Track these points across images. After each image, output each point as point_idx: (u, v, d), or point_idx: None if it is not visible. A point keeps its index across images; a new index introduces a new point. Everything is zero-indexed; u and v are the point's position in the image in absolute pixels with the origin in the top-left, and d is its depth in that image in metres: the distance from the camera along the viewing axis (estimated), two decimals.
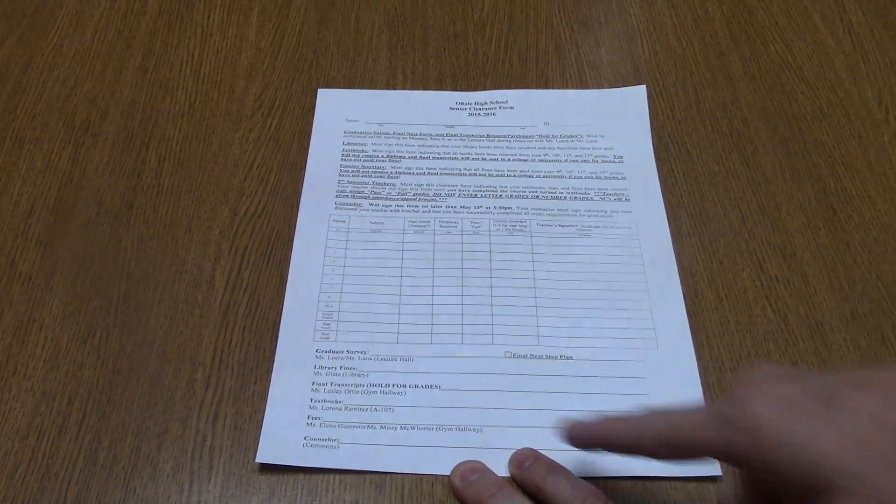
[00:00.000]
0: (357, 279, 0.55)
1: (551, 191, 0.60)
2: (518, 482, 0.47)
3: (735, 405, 0.35)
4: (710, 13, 0.73)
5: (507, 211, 0.59)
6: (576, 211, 0.59)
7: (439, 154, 0.62)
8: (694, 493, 0.47)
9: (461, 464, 0.47)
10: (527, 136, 0.63)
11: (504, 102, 0.65)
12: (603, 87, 0.67)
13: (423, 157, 0.62)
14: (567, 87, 0.67)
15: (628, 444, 0.40)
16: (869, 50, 0.69)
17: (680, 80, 0.68)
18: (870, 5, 0.73)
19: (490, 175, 0.61)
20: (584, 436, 0.43)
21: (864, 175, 0.61)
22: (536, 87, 0.67)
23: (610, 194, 0.60)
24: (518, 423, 0.49)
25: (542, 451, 0.47)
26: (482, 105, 0.65)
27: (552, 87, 0.67)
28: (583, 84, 0.67)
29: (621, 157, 0.62)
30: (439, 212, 0.59)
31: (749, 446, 0.34)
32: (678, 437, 0.37)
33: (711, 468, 0.47)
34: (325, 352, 0.52)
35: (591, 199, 0.59)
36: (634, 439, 0.40)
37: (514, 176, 0.61)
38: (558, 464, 0.47)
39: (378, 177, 0.61)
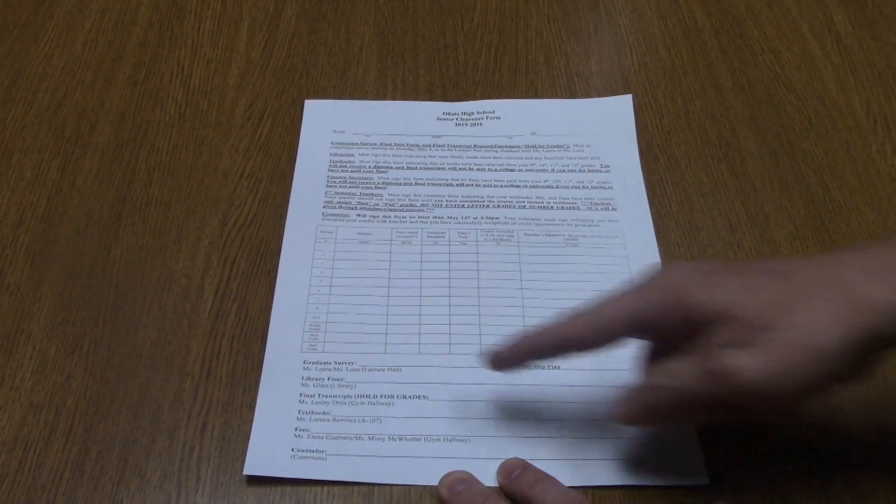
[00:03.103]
0: (344, 290, 0.55)
1: (538, 201, 0.60)
2: (506, 492, 0.47)
3: (663, 274, 0.43)
4: (700, 24, 0.73)
5: (495, 221, 0.59)
6: (563, 221, 0.59)
7: (426, 164, 0.62)
8: (680, 502, 0.46)
9: (449, 474, 0.47)
10: (514, 146, 0.63)
11: (491, 112, 0.65)
12: (592, 98, 0.67)
13: (411, 168, 0.62)
14: (556, 98, 0.67)
15: (557, 344, 0.45)
16: (857, 61, 0.70)
17: (669, 90, 0.68)
18: (858, 16, 0.73)
19: (477, 185, 0.61)
20: (511, 356, 0.47)
21: (852, 185, 0.61)
22: (526, 98, 0.67)
23: (596, 204, 0.60)
24: (506, 433, 0.49)
25: (531, 462, 0.47)
26: (469, 115, 0.65)
27: (542, 98, 0.67)
28: (572, 94, 0.67)
29: (608, 166, 0.62)
30: (426, 222, 0.59)
31: (675, 302, 0.41)
32: (613, 316, 0.43)
33: (699, 477, 0.47)
34: (313, 363, 0.52)
35: (578, 208, 0.60)
36: (571, 337, 0.44)
37: (501, 186, 0.61)
38: (546, 474, 0.46)
39: (365, 187, 0.61)
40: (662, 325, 0.43)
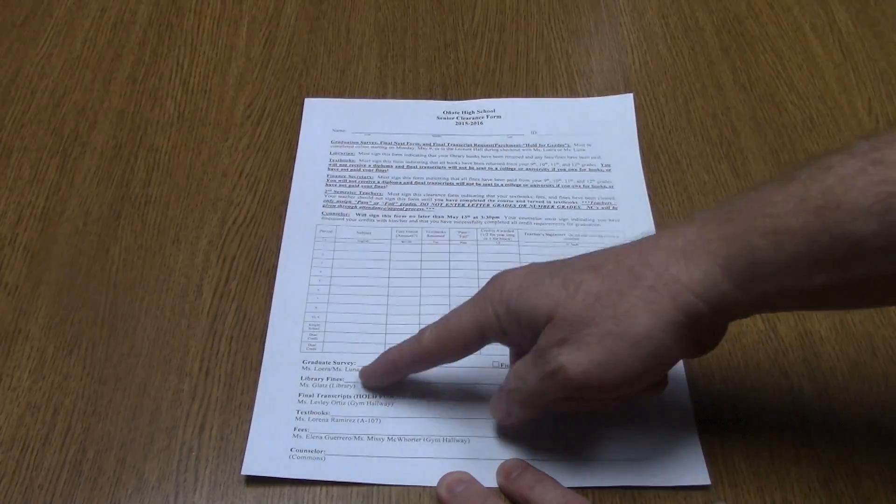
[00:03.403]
0: (344, 290, 0.55)
1: (539, 200, 0.60)
2: (506, 493, 0.46)
3: (492, 285, 0.45)
4: (701, 23, 0.73)
5: (495, 220, 0.59)
6: (563, 220, 0.59)
7: (426, 164, 0.62)
8: (681, 503, 0.46)
9: (448, 475, 0.47)
10: (514, 146, 0.63)
11: (491, 111, 0.65)
12: (593, 97, 0.67)
13: (411, 167, 0.62)
14: (557, 97, 0.67)
15: (418, 360, 0.48)
16: (859, 60, 0.70)
17: (670, 89, 0.68)
18: (860, 15, 0.73)
19: (477, 184, 0.61)
20: (376, 371, 0.50)
21: None
22: (527, 97, 0.67)
23: (597, 203, 0.60)
24: (506, 433, 0.49)
25: (530, 462, 0.47)
26: (469, 114, 0.65)
27: (543, 97, 0.67)
28: (573, 93, 0.67)
29: (608, 165, 0.62)
30: (426, 221, 0.58)
31: (504, 310, 0.44)
32: (456, 330, 0.46)
33: (700, 477, 0.47)
34: (312, 363, 0.51)
35: (579, 208, 0.59)
36: (422, 353, 0.47)
37: (502, 185, 0.61)
38: (546, 474, 0.46)
39: (365, 186, 0.60)
40: (504, 332, 0.45)
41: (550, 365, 0.41)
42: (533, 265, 0.45)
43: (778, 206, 0.38)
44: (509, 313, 0.43)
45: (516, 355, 0.46)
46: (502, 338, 0.46)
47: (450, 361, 0.48)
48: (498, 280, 0.45)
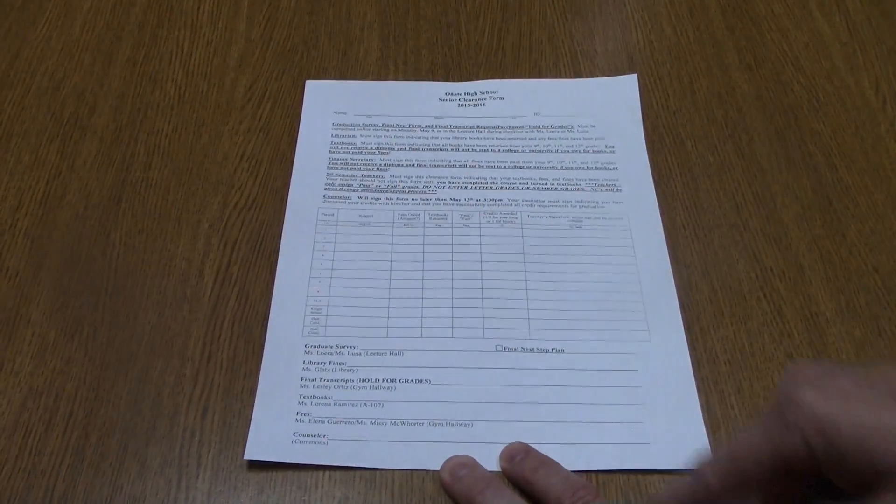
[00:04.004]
0: (346, 273, 0.54)
1: (542, 182, 0.59)
2: (509, 477, 0.46)
3: (794, 407, 0.35)
4: (706, 2, 0.72)
5: (498, 203, 0.58)
6: (567, 202, 0.58)
7: (429, 146, 0.61)
8: None
9: (451, 459, 0.47)
10: (517, 127, 0.63)
11: (494, 93, 0.65)
12: (597, 77, 0.66)
13: (413, 149, 0.61)
14: (561, 77, 0.66)
15: (699, 502, 0.38)
16: (866, 39, 0.69)
17: (675, 69, 0.67)
18: None
19: (480, 167, 0.60)
20: None
21: (860, 165, 0.60)
22: (530, 78, 0.66)
23: (601, 185, 0.59)
24: (509, 417, 0.49)
25: (533, 446, 0.47)
26: (472, 96, 0.65)
27: (546, 77, 0.66)
28: (577, 74, 0.67)
29: (612, 147, 0.61)
30: (429, 204, 0.58)
31: (823, 445, 0.34)
32: (749, 466, 0.36)
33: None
34: (314, 347, 0.51)
35: (583, 189, 0.59)
36: (706, 497, 0.37)
37: (505, 167, 0.60)
38: (549, 458, 0.46)
39: (367, 169, 0.60)
40: (810, 467, 0.35)
41: None
42: (838, 379, 0.35)
43: None
44: (832, 450, 0.33)
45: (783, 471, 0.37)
46: (806, 471, 0.35)
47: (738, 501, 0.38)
48: (801, 400, 0.35)
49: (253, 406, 0.49)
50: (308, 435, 0.48)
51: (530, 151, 0.61)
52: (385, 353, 0.51)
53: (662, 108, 0.64)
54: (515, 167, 0.60)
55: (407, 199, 0.58)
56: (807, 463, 0.34)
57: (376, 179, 0.59)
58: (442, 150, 0.61)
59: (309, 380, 0.50)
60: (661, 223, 0.57)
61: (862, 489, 0.34)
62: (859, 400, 0.34)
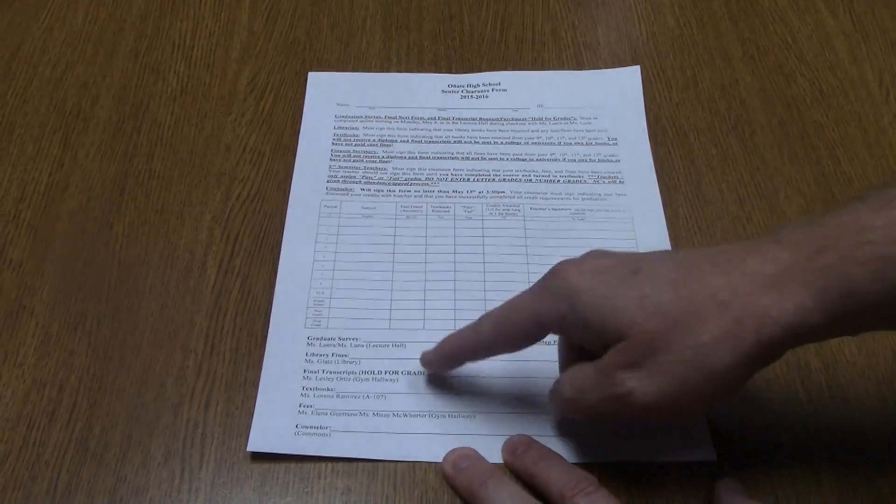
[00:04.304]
0: (349, 265, 0.55)
1: (544, 174, 0.59)
2: (511, 469, 0.46)
3: (557, 277, 0.42)
4: None
5: (500, 195, 0.58)
6: (569, 194, 0.58)
7: (431, 138, 0.61)
8: (687, 478, 0.46)
9: (453, 451, 0.47)
10: (520, 119, 0.63)
11: (497, 85, 0.65)
12: (599, 69, 0.66)
13: (415, 141, 0.61)
14: (563, 69, 0.66)
15: (475, 349, 0.47)
16: (870, 30, 0.68)
17: (678, 61, 0.67)
18: None
19: (483, 159, 0.60)
20: (436, 358, 0.48)
21: (863, 157, 0.60)
22: (532, 69, 0.66)
23: (604, 177, 0.59)
24: (511, 409, 0.49)
25: (536, 438, 0.47)
26: (475, 87, 0.64)
27: (549, 69, 0.66)
28: (579, 66, 0.66)
29: (615, 139, 0.61)
30: (431, 196, 0.58)
31: (569, 310, 0.41)
32: (515, 321, 0.44)
33: (706, 453, 0.47)
34: (317, 339, 0.51)
35: (585, 182, 0.59)
36: (480, 342, 0.46)
37: (507, 159, 0.60)
38: (551, 450, 0.46)
39: (370, 161, 0.60)
40: (563, 329, 0.43)
41: (617, 388, 0.40)
42: (601, 259, 0.42)
43: (878, 231, 0.37)
44: (575, 315, 0.41)
45: (567, 346, 0.46)
46: (561, 332, 0.44)
47: (508, 352, 0.46)
48: (562, 273, 0.42)
49: (256, 398, 0.49)
50: (310, 426, 0.48)
51: (533, 143, 0.61)
52: (387, 345, 0.51)
53: (665, 100, 0.64)
54: (518, 159, 0.60)
55: (409, 192, 0.58)
56: (558, 325, 0.43)
57: (379, 171, 0.59)
58: (444, 142, 0.61)
59: (311, 372, 0.50)
60: (663, 215, 0.57)
61: (597, 350, 0.41)
62: (606, 275, 0.41)
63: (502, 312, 0.45)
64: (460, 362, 0.48)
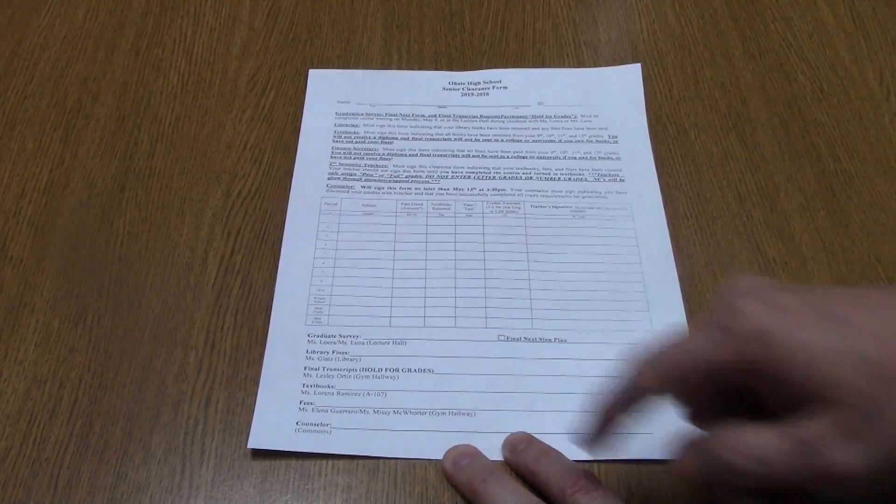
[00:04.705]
0: (349, 262, 0.55)
1: (545, 172, 0.59)
2: (511, 466, 0.46)
3: (738, 317, 0.35)
4: None
5: (501, 193, 0.58)
6: (570, 192, 0.58)
7: (432, 135, 0.61)
8: None
9: (453, 448, 0.47)
10: (520, 117, 0.63)
11: (497, 82, 0.65)
12: (600, 67, 0.66)
13: (416, 139, 0.61)
14: (564, 67, 0.66)
15: (630, 399, 0.39)
16: (870, 28, 0.68)
17: (678, 59, 0.67)
18: None
19: (483, 156, 0.60)
20: (596, 436, 0.41)
21: (864, 156, 0.60)
22: (533, 67, 0.66)
23: (604, 175, 0.59)
24: (511, 406, 0.49)
25: (536, 435, 0.47)
26: (475, 85, 0.64)
27: (549, 67, 0.66)
28: (580, 63, 0.66)
29: (616, 136, 0.61)
30: (432, 194, 0.58)
31: (762, 355, 0.34)
32: (688, 369, 0.36)
33: None
34: (317, 336, 0.51)
35: (586, 180, 0.59)
36: (635, 390, 0.38)
37: (508, 157, 0.60)
38: (552, 448, 0.46)
39: (370, 158, 0.60)
40: (750, 380, 0.36)
41: (823, 460, 0.33)
42: (781, 293, 0.36)
43: None
44: (766, 361, 0.34)
45: (706, 391, 0.39)
46: (745, 384, 0.36)
47: (663, 400, 0.39)
48: (741, 308, 0.35)
49: (256, 395, 0.49)
50: (311, 424, 0.48)
51: (533, 141, 0.61)
52: (388, 343, 0.51)
53: (666, 98, 0.64)
54: (518, 157, 0.60)
55: (410, 189, 0.58)
56: (740, 374, 0.35)
57: (379, 169, 0.59)
58: (445, 140, 0.61)
59: (312, 369, 0.50)
60: (663, 213, 0.57)
61: (786, 409, 0.35)
62: (802, 318, 0.34)
63: (666, 360, 0.37)
64: (619, 422, 0.40)
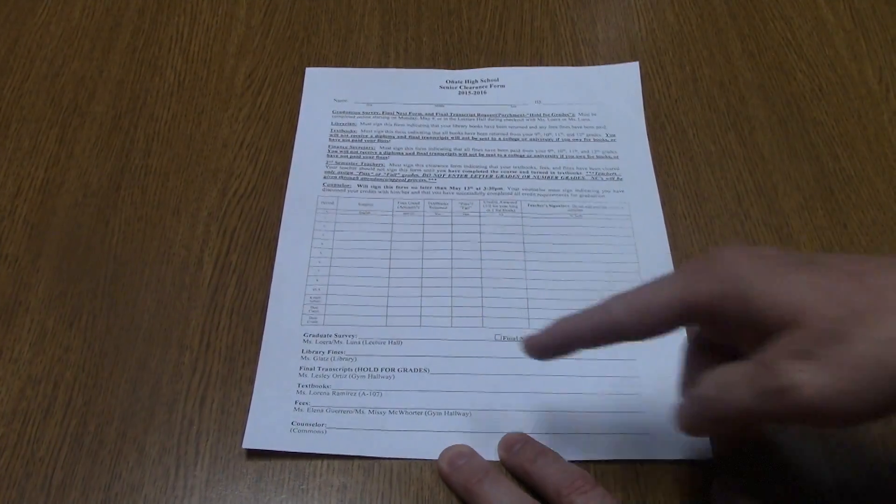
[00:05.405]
0: (345, 262, 0.54)
1: (542, 171, 0.59)
2: (507, 466, 0.46)
3: (715, 259, 0.38)
4: None
5: (498, 191, 0.58)
6: (567, 191, 0.58)
7: (429, 134, 0.61)
8: (684, 477, 0.46)
9: (449, 448, 0.47)
10: (518, 115, 0.62)
11: (495, 81, 0.64)
12: (598, 65, 0.66)
13: (413, 137, 0.61)
14: (562, 65, 0.66)
15: (601, 333, 0.41)
16: (870, 27, 0.68)
17: (677, 57, 0.66)
18: None
19: (480, 155, 0.60)
20: (548, 341, 0.42)
21: (863, 155, 0.60)
22: (531, 65, 0.66)
23: (602, 174, 0.59)
24: (508, 406, 0.49)
25: (532, 436, 0.47)
26: (472, 83, 0.64)
27: (547, 65, 0.66)
28: (578, 62, 0.66)
29: (613, 135, 0.61)
30: (429, 193, 0.58)
31: (732, 290, 0.36)
32: (658, 303, 0.38)
33: (703, 452, 0.46)
34: (313, 336, 0.51)
35: (583, 178, 0.59)
36: (610, 324, 0.40)
37: (505, 156, 0.60)
38: (548, 448, 0.46)
39: (367, 157, 0.60)
40: (716, 317, 0.38)
41: (780, 380, 0.34)
42: (765, 249, 0.38)
43: None
44: (739, 297, 0.36)
45: (698, 350, 0.41)
46: (707, 322, 0.39)
47: (637, 339, 0.40)
48: (720, 254, 0.38)
49: (251, 394, 0.49)
50: (306, 424, 0.48)
51: (531, 140, 0.61)
52: (384, 342, 0.51)
53: (664, 97, 0.64)
54: (516, 156, 0.60)
55: (407, 188, 0.58)
56: (713, 310, 0.37)
57: (376, 167, 0.59)
58: (442, 139, 0.61)
59: (307, 368, 0.50)
60: (661, 212, 0.57)
61: (752, 346, 0.36)
62: (775, 261, 0.37)
63: (639, 293, 0.39)
64: (574, 348, 0.42)
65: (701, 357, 0.42)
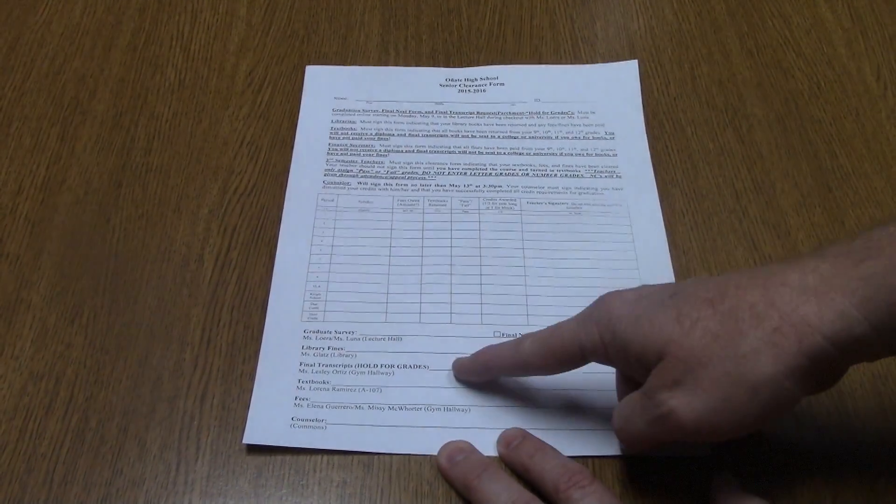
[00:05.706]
0: (345, 259, 0.55)
1: (541, 168, 0.59)
2: (506, 462, 0.47)
3: (600, 307, 0.43)
4: None
5: (497, 189, 0.58)
6: (566, 189, 0.58)
7: (428, 132, 0.61)
8: (682, 473, 0.46)
9: (448, 444, 0.47)
10: (517, 113, 0.63)
11: (494, 79, 0.65)
12: (597, 63, 0.66)
13: (413, 135, 0.61)
14: (562, 63, 0.66)
15: (513, 366, 0.47)
16: (868, 25, 0.68)
17: (675, 55, 0.67)
18: None
19: (480, 153, 0.60)
20: (471, 367, 0.49)
21: (860, 152, 0.60)
22: (531, 63, 0.66)
23: (601, 171, 0.59)
24: (506, 403, 0.49)
25: (531, 431, 0.47)
26: (472, 81, 0.64)
27: (546, 63, 0.66)
28: (577, 60, 0.66)
29: (612, 133, 0.61)
30: (428, 190, 0.58)
31: (611, 337, 0.41)
32: (558, 345, 0.44)
33: (701, 448, 0.47)
34: (313, 332, 0.51)
35: (582, 176, 0.59)
36: (519, 360, 0.46)
37: (505, 153, 0.60)
38: (546, 444, 0.46)
39: (367, 155, 0.60)
40: (608, 356, 0.43)
41: (660, 409, 0.39)
42: (644, 288, 0.43)
43: None
44: (616, 341, 0.41)
45: (622, 379, 0.46)
46: (605, 361, 0.43)
47: (545, 374, 0.47)
48: (606, 302, 0.43)
49: (252, 391, 0.49)
50: (306, 419, 0.48)
51: (530, 138, 0.61)
52: (384, 339, 0.51)
53: (663, 95, 0.64)
54: (515, 153, 0.60)
55: (406, 185, 0.58)
56: (599, 353, 0.43)
57: (376, 165, 0.60)
58: (442, 136, 0.61)
59: (307, 365, 0.50)
60: (660, 210, 0.57)
61: (644, 376, 0.41)
62: (645, 301, 0.41)
63: (545, 335, 0.45)
64: (493, 375, 0.49)
65: (624, 383, 0.45)
